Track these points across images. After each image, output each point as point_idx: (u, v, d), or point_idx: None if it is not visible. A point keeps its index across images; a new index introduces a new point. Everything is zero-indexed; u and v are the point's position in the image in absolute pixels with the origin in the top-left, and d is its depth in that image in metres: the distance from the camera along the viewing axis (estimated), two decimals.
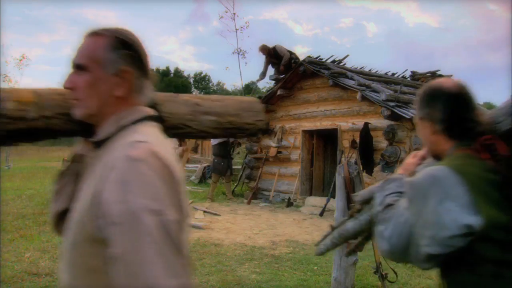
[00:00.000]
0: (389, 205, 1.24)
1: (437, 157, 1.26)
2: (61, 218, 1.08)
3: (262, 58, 9.65)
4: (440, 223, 1.05)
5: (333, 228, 1.67)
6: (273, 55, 9.34)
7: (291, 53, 9.25)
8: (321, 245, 1.75)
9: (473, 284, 1.10)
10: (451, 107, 1.22)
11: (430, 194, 1.09)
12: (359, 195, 1.52)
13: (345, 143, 8.07)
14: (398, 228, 1.16)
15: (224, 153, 9.82)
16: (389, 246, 1.18)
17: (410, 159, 1.41)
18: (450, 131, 1.22)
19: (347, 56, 9.37)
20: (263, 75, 9.72)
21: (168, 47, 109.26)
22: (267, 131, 9.82)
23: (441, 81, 1.30)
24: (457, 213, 1.04)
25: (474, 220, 1.03)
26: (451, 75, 11.20)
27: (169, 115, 1.19)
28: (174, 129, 1.20)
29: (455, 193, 1.06)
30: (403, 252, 1.16)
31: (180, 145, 8.40)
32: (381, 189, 1.32)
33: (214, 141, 9.76)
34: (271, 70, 9.67)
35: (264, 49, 9.45)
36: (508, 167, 1.10)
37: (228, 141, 9.93)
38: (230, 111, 1.31)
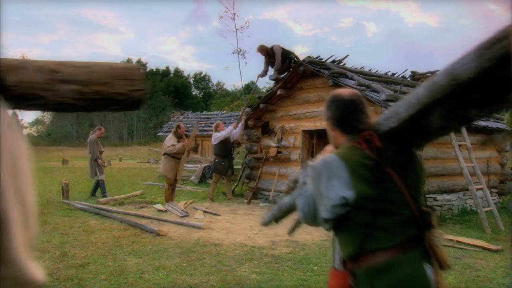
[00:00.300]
0: (304, 183, 1.65)
1: (338, 147, 1.66)
2: None
3: (262, 58, 9.65)
4: (328, 196, 1.45)
5: (275, 203, 2.19)
6: (271, 55, 9.34)
7: (290, 53, 9.24)
8: (265, 217, 2.21)
9: (352, 240, 1.49)
10: (342, 110, 1.63)
11: (322, 174, 1.48)
12: (292, 176, 1.93)
13: None
14: (306, 200, 1.58)
15: (225, 152, 9.81)
16: (303, 214, 1.62)
17: (328, 149, 1.79)
18: (342, 128, 1.64)
19: (347, 56, 9.36)
20: (264, 73, 9.69)
21: (168, 47, 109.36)
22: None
23: (340, 91, 1.72)
24: (338, 188, 1.43)
25: (348, 194, 1.42)
26: None
27: (17, 84, 1.00)
28: (23, 100, 1.02)
29: (338, 174, 1.45)
30: (313, 218, 1.58)
31: (179, 141, 8.41)
32: (302, 171, 1.71)
33: (215, 141, 9.76)
34: (271, 70, 9.65)
35: (262, 50, 9.43)
36: (379, 155, 1.47)
37: (229, 141, 9.93)
38: (97, 79, 1.13)
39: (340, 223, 1.49)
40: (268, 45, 9.41)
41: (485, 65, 1.11)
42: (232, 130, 9.68)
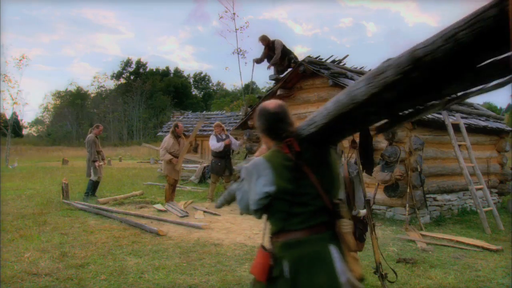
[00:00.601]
0: (242, 179, 1.97)
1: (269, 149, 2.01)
2: None
3: (261, 49, 9.54)
4: (255, 191, 1.83)
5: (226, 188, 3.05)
6: (271, 48, 9.27)
7: (290, 52, 9.22)
8: (218, 201, 2.62)
9: (275, 222, 1.90)
10: (269, 121, 1.96)
11: (252, 174, 1.86)
12: (238, 167, 2.53)
13: (345, 143, 8.05)
14: (242, 194, 1.96)
15: (222, 153, 9.78)
16: (240, 206, 2.00)
17: (262, 150, 2.16)
18: (269, 135, 1.98)
19: (346, 56, 9.36)
20: (259, 60, 9.55)
21: (168, 47, 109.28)
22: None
23: (267, 103, 2.03)
24: (263, 185, 1.81)
25: (271, 189, 1.80)
26: None
27: None
28: None
29: (264, 173, 1.83)
30: (246, 209, 1.95)
31: (177, 140, 8.43)
32: (243, 167, 1.99)
33: (211, 146, 9.61)
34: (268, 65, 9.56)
35: (264, 40, 9.32)
36: (297, 157, 1.83)
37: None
38: None
39: (266, 209, 1.88)
40: (271, 38, 9.33)
41: (373, 90, 1.49)
42: (221, 145, 9.48)
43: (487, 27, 1.15)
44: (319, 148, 1.92)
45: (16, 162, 21.75)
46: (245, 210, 1.98)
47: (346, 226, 1.89)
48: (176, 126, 8.51)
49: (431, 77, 1.41)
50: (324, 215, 1.87)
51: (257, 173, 1.85)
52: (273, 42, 9.21)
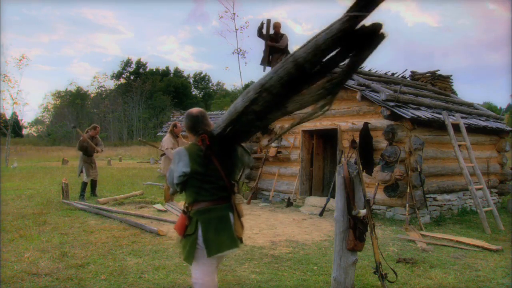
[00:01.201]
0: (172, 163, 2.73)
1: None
2: None
3: (261, 55, 9.45)
4: (176, 170, 2.62)
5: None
6: (273, 38, 9.08)
7: (290, 53, 9.17)
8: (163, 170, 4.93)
9: (190, 195, 2.69)
10: (192, 122, 2.75)
11: (175, 159, 2.65)
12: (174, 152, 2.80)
13: (345, 143, 8.07)
14: (169, 172, 2.71)
15: None
16: (168, 181, 2.75)
17: (184, 142, 3.62)
18: (192, 132, 2.77)
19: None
20: (265, 61, 9.16)
21: (167, 47, 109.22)
22: (266, 131, 9.78)
23: (191, 109, 2.84)
24: (182, 167, 2.60)
25: (187, 170, 2.59)
26: (451, 75, 11.22)
27: None
28: None
29: (183, 159, 2.61)
30: (172, 184, 2.69)
31: (176, 140, 8.43)
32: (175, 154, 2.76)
33: None
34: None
35: (278, 27, 9.10)
36: (207, 149, 2.60)
37: None
38: None
39: (184, 185, 2.68)
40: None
41: (245, 103, 2.26)
42: None
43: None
44: (225, 144, 2.64)
45: (15, 162, 21.74)
46: (171, 185, 2.71)
47: (238, 199, 2.81)
48: (175, 126, 8.51)
49: (274, 98, 2.16)
50: (224, 191, 2.72)
51: (178, 158, 2.64)
52: (282, 34, 9.12)
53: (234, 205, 2.74)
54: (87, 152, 9.41)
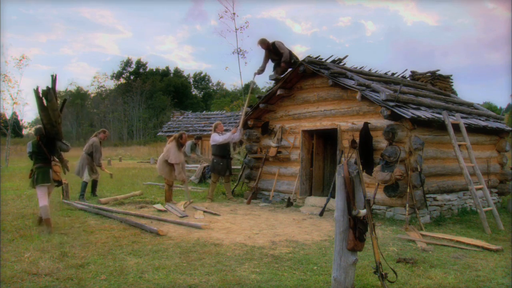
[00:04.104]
0: None
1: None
2: None
3: (261, 54, 9.49)
4: (28, 150, 6.47)
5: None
6: (272, 51, 9.23)
7: (290, 52, 9.20)
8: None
9: (34, 161, 6.38)
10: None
11: (28, 146, 6.53)
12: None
13: (345, 143, 8.07)
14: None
15: (223, 153, 9.81)
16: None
17: None
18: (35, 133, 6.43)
19: (346, 56, 9.35)
20: (262, 70, 9.48)
21: (166, 47, 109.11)
22: (267, 131, 9.79)
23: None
24: (30, 148, 6.39)
25: (31, 149, 6.36)
26: (451, 75, 11.22)
27: None
28: None
29: (31, 145, 6.39)
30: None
31: (180, 150, 8.61)
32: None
33: (213, 142, 9.76)
34: (270, 66, 9.54)
35: (263, 43, 9.25)
36: (39, 141, 6.27)
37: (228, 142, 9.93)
38: None
39: (31, 156, 6.31)
40: (269, 41, 9.30)
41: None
42: (231, 136, 9.65)
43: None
44: (49, 140, 6.15)
45: (7, 162, 21.86)
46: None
47: (55, 164, 6.43)
48: (180, 137, 8.67)
49: None
50: (46, 159, 6.20)
51: (31, 146, 6.23)
52: (273, 44, 9.18)
53: (52, 168, 6.32)
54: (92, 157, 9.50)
